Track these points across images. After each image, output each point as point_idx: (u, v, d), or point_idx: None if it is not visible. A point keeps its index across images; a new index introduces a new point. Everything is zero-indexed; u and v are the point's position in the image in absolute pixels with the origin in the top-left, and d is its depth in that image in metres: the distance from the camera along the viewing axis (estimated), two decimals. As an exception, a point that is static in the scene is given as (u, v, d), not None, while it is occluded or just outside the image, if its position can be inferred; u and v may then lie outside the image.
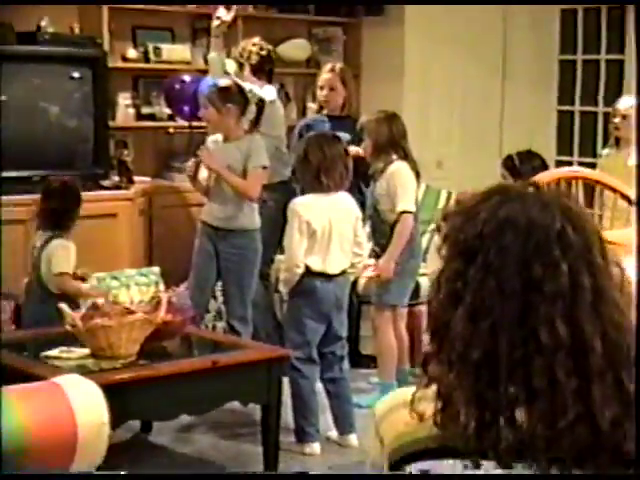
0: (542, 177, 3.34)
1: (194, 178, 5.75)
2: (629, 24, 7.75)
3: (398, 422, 1.57)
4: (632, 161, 6.03)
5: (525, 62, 8.24)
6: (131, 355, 4.09)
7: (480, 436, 1.46)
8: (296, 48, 7.86)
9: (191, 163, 5.73)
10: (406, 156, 5.55)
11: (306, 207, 4.81)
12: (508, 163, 5.41)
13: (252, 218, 5.60)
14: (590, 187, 3.57)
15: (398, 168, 5.49)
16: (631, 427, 1.48)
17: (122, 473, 2.49)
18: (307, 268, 4.82)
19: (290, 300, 4.97)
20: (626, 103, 6.22)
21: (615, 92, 7.75)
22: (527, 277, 1.48)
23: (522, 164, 5.25)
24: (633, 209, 3.22)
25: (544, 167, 5.19)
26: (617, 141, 6.29)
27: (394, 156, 5.51)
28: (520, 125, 8.16)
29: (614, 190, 3.34)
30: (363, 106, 8.05)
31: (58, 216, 5.09)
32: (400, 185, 5.43)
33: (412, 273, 5.61)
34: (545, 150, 7.67)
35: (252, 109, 5.85)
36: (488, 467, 1.48)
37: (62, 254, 5.04)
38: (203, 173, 5.76)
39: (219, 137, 5.67)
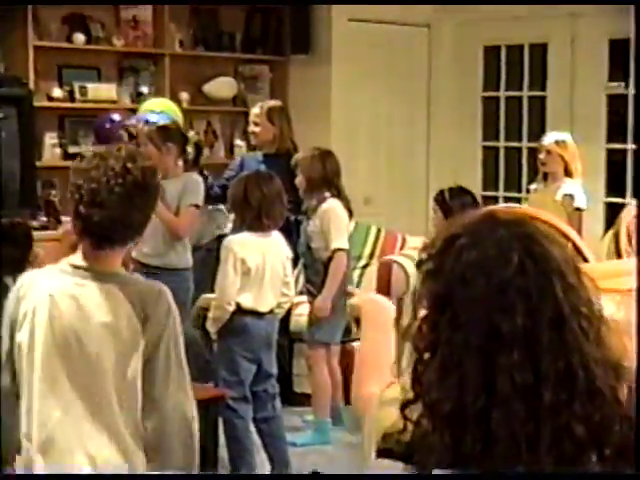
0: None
1: None
2: (550, 60, 7.92)
3: (388, 418, 1.64)
4: (559, 196, 6.14)
5: (449, 99, 8.35)
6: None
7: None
8: (222, 86, 7.88)
9: None
10: (339, 194, 5.58)
11: (241, 245, 4.80)
12: (439, 198, 5.47)
13: (184, 257, 5.57)
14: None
15: (331, 206, 5.51)
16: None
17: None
18: (238, 306, 4.79)
19: (221, 339, 4.94)
20: (550, 139, 6.35)
21: (538, 127, 7.90)
22: (489, 326, 1.48)
23: (452, 199, 5.32)
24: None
25: (474, 203, 5.25)
26: (545, 176, 6.40)
27: (327, 193, 5.54)
28: (446, 161, 8.26)
29: (550, 225, 3.37)
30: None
31: (19, 262, 4.88)
32: (333, 223, 5.45)
33: (344, 310, 5.62)
34: (471, 185, 7.70)
35: (189, 149, 5.85)
36: None
37: None
38: None
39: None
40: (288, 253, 5.01)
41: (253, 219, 4.78)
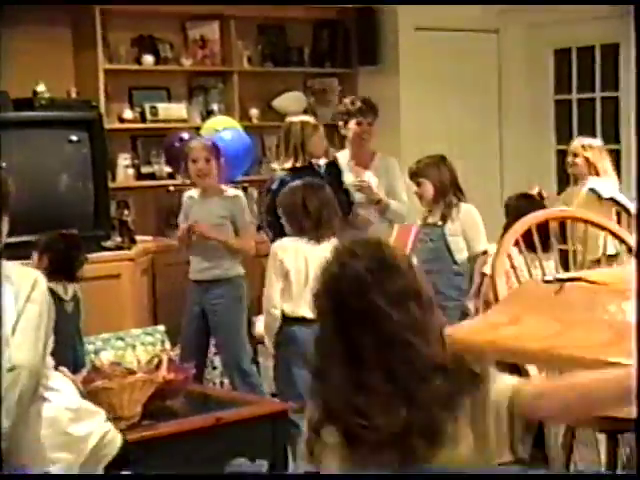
0: (531, 218, 3.35)
1: (188, 246, 5.81)
2: (622, 61, 7.80)
3: None
4: (584, 191, 6.19)
5: (521, 104, 8.28)
6: (134, 416, 4.06)
7: None
8: (291, 100, 7.90)
9: (182, 232, 5.78)
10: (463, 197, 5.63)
11: (283, 248, 4.82)
12: (507, 204, 5.51)
13: (235, 265, 5.67)
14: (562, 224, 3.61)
15: (471, 210, 5.59)
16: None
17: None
18: (284, 315, 4.79)
19: (275, 353, 4.94)
20: (577, 142, 6.61)
21: (612, 129, 7.79)
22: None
23: (518, 206, 5.32)
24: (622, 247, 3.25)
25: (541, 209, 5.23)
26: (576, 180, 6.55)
27: (453, 198, 5.54)
28: (520, 166, 8.18)
29: (603, 228, 3.35)
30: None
31: (69, 266, 5.02)
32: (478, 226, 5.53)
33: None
34: (546, 189, 7.69)
35: None
36: None
37: None
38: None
39: (194, 193, 5.75)
40: None
41: (311, 228, 4.77)
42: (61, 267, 4.90)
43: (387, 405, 2.04)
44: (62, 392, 3.30)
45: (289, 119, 6.15)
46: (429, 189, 5.51)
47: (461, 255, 5.51)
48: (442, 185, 5.50)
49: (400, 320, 2.04)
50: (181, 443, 4.09)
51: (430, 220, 5.60)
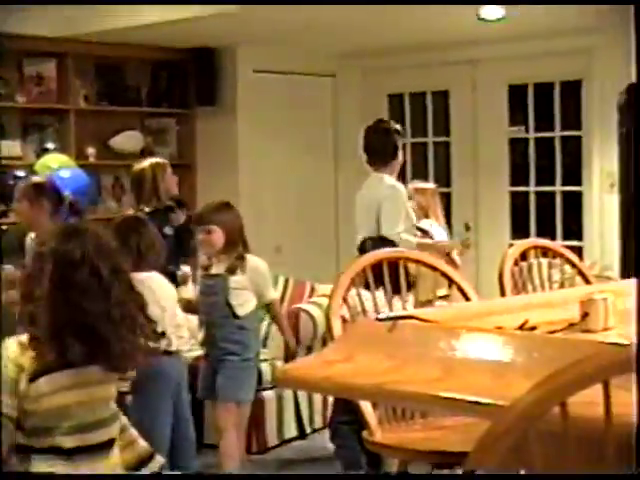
0: (364, 260, 3.43)
1: None
2: (452, 107, 8.07)
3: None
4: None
5: (356, 147, 8.42)
6: None
7: None
8: (129, 140, 7.87)
9: None
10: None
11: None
12: (361, 247, 5.52)
13: None
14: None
15: (258, 261, 5.18)
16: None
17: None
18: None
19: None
20: (410, 186, 6.60)
21: (444, 172, 8.04)
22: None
23: (373, 248, 5.37)
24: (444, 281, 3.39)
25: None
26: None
27: (241, 249, 5.14)
28: (354, 209, 8.31)
29: (434, 269, 3.46)
30: (199, 196, 8.14)
31: None
32: (268, 277, 5.21)
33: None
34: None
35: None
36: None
37: None
38: None
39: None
40: (175, 294, 4.93)
41: (132, 262, 4.61)
42: None
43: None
44: None
45: (138, 165, 6.00)
46: (220, 237, 5.09)
47: (244, 309, 5.13)
48: (233, 233, 5.12)
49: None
50: None
51: (214, 271, 5.17)
